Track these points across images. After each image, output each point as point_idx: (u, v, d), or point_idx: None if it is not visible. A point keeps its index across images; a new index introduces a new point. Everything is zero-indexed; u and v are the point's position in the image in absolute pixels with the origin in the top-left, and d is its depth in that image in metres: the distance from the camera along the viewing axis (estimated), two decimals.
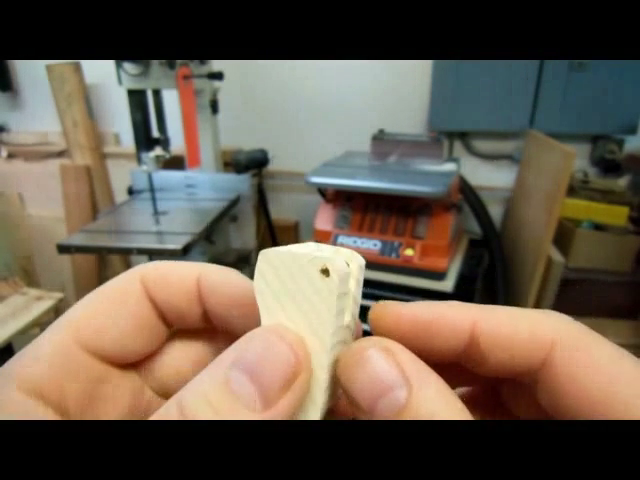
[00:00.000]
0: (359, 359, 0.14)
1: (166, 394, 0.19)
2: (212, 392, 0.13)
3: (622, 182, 1.60)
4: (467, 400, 0.17)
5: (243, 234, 1.61)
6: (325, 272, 0.15)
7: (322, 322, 0.15)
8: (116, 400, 0.17)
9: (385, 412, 0.13)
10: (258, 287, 0.16)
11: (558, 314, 0.15)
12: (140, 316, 0.18)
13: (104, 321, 0.17)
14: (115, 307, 0.17)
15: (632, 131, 1.50)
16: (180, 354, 0.20)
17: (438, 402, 0.13)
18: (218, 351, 0.18)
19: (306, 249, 0.16)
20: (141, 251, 1.19)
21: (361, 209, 1.32)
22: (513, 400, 0.17)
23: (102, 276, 2.01)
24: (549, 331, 0.15)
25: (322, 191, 1.38)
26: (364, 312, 0.16)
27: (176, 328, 0.20)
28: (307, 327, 0.15)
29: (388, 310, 0.16)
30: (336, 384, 0.15)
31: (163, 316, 0.18)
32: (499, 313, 0.15)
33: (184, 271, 0.18)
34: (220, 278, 0.18)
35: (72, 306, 0.18)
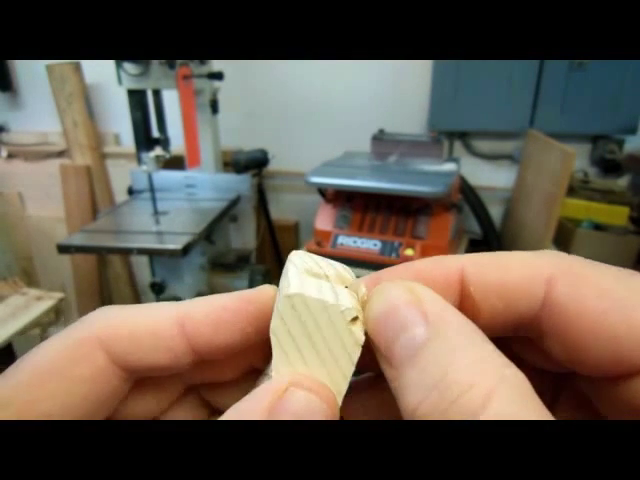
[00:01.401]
0: (381, 299, 0.13)
1: None
2: None
3: (622, 182, 1.60)
4: None
5: (243, 234, 1.61)
6: (354, 321, 0.14)
7: (343, 371, 0.15)
8: None
9: (403, 351, 0.12)
10: (275, 330, 0.15)
11: (551, 251, 0.14)
12: (100, 387, 0.15)
13: (53, 403, 0.14)
14: (67, 383, 0.14)
15: (632, 131, 1.50)
16: (144, 399, 0.17)
17: (463, 345, 0.11)
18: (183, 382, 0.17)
19: (319, 282, 0.15)
20: (141, 251, 1.19)
21: (361, 209, 1.32)
22: (522, 349, 0.16)
23: (102, 276, 2.01)
24: (545, 267, 0.13)
25: (322, 191, 1.38)
26: None
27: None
28: (325, 374, 0.15)
29: (368, 278, 0.15)
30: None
31: (134, 374, 0.16)
32: (487, 258, 0.14)
33: (158, 321, 0.15)
34: (206, 315, 0.15)
35: (8, 372, 0.14)
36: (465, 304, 0.14)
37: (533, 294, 0.13)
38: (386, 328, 0.13)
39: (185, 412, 0.19)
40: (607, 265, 0.13)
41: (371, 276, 0.15)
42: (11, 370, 0.14)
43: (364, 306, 0.15)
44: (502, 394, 0.10)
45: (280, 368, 0.15)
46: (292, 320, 0.14)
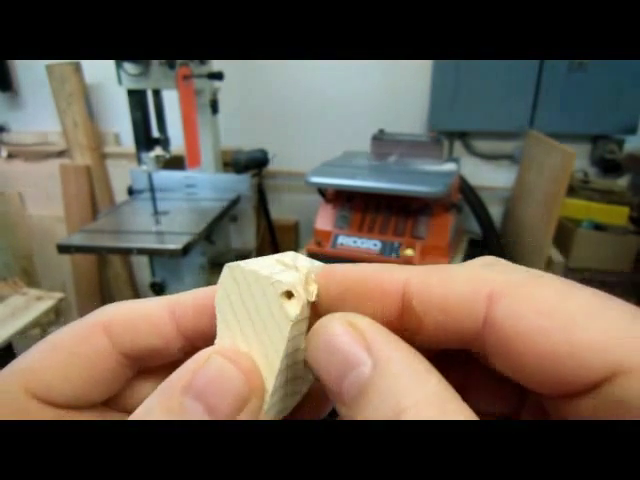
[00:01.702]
0: (323, 337, 0.13)
1: None
2: (162, 416, 0.13)
3: (622, 182, 1.60)
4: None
5: (243, 234, 1.61)
6: (287, 295, 0.15)
7: (275, 346, 0.15)
8: None
9: (351, 392, 0.12)
10: (219, 301, 0.16)
11: (499, 264, 0.14)
12: (100, 367, 0.16)
13: (56, 374, 0.16)
14: (70, 358, 0.16)
15: (632, 131, 1.50)
16: (146, 386, 0.18)
17: (406, 378, 0.12)
18: None
19: (275, 266, 0.16)
20: (141, 251, 1.19)
21: (361, 209, 1.32)
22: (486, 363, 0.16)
23: (102, 276, 2.01)
24: (486, 282, 0.13)
25: (322, 191, 1.38)
26: None
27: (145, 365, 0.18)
28: (260, 348, 0.15)
29: (324, 271, 0.15)
30: (286, 403, 0.16)
31: (133, 360, 0.17)
32: (433, 271, 0.14)
33: (152, 308, 0.17)
34: (194, 301, 0.17)
35: (25, 352, 0.16)
36: (408, 317, 0.14)
37: (474, 311, 0.13)
38: (332, 367, 0.13)
39: None
40: (551, 277, 0.13)
41: (325, 268, 0.16)
42: (33, 346, 0.16)
43: (308, 287, 0.15)
44: None
45: (221, 339, 0.16)
46: (232, 291, 0.15)
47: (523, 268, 0.14)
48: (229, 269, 0.15)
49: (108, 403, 0.18)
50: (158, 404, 0.14)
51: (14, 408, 0.15)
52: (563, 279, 0.13)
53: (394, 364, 0.12)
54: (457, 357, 0.16)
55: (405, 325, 0.14)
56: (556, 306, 0.12)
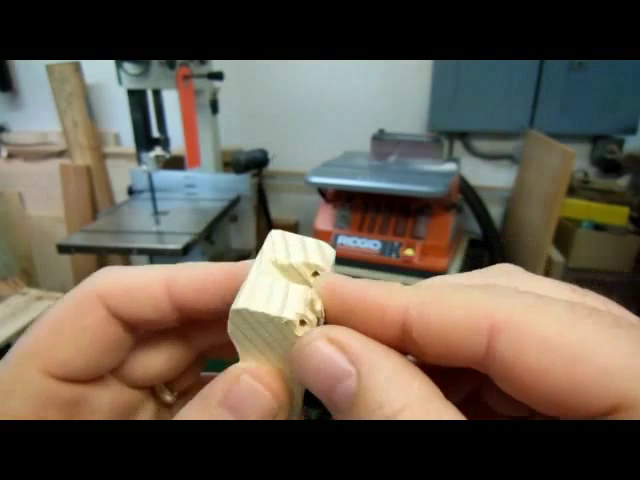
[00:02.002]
0: (306, 354, 0.14)
1: (141, 386, 0.20)
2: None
3: (622, 182, 1.60)
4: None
5: (243, 234, 1.61)
6: (302, 325, 0.15)
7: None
8: (95, 410, 0.18)
9: (343, 404, 0.13)
10: (232, 332, 0.16)
11: (502, 288, 0.14)
12: (105, 336, 0.17)
13: (68, 349, 0.16)
14: (77, 332, 0.17)
15: (632, 131, 1.50)
16: (148, 353, 0.19)
17: (390, 386, 0.12)
18: (187, 341, 0.20)
19: (279, 281, 0.16)
20: (141, 251, 1.19)
21: (361, 209, 1.32)
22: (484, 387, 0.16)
23: None
24: (487, 315, 0.12)
25: (322, 191, 1.38)
26: None
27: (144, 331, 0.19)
28: (282, 367, 0.16)
29: (324, 282, 0.16)
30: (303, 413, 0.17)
31: (131, 327, 0.18)
32: (432, 301, 0.13)
33: (149, 281, 0.17)
34: (191, 282, 0.17)
35: (26, 333, 0.17)
36: (409, 343, 0.14)
37: (475, 345, 0.13)
38: (319, 382, 0.13)
39: (196, 377, 0.21)
40: (556, 303, 0.13)
41: (328, 285, 0.16)
42: (30, 328, 0.17)
43: (316, 306, 0.15)
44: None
45: (245, 360, 0.16)
46: (244, 327, 0.16)
47: (522, 294, 0.13)
48: (236, 313, 0.15)
49: (115, 375, 0.19)
50: (198, 413, 0.15)
51: (36, 392, 0.16)
52: (568, 303, 0.13)
53: (377, 373, 0.12)
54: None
55: (407, 349, 0.14)
56: (558, 339, 0.12)
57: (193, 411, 0.15)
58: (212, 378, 0.20)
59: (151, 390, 0.20)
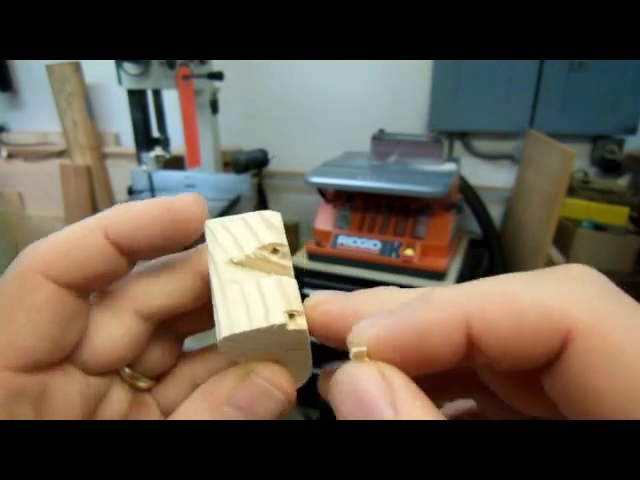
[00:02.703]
0: (350, 382, 0.13)
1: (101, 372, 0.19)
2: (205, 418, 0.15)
3: (622, 182, 1.60)
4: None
5: None
6: (292, 318, 0.15)
7: (302, 362, 0.16)
8: (65, 400, 0.17)
9: None
10: (227, 354, 0.15)
11: (577, 286, 0.12)
12: (59, 310, 0.16)
13: (24, 336, 0.15)
14: (29, 315, 0.15)
15: (632, 131, 1.49)
16: (100, 335, 0.18)
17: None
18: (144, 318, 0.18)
19: (226, 263, 0.16)
20: None
21: (361, 209, 1.32)
22: (519, 397, 0.15)
23: None
24: (563, 319, 0.11)
25: (322, 191, 1.38)
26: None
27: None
28: (290, 366, 0.16)
29: (366, 332, 0.13)
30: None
31: (84, 289, 0.17)
32: (497, 299, 0.12)
33: (86, 234, 0.16)
34: (128, 222, 0.16)
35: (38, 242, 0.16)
36: (477, 359, 0.13)
37: (547, 352, 0.12)
38: (353, 410, 0.13)
39: (173, 359, 0.20)
40: (631, 307, 0.12)
41: (342, 302, 0.16)
42: None
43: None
44: None
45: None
46: (237, 347, 0.15)
47: (601, 292, 0.12)
48: (226, 341, 0.14)
49: (75, 364, 0.18)
50: (205, 410, 0.15)
51: (1, 390, 0.15)
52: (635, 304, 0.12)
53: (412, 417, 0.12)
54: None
55: (471, 362, 0.13)
56: (630, 349, 0.11)
57: (199, 409, 0.15)
58: (195, 357, 0.20)
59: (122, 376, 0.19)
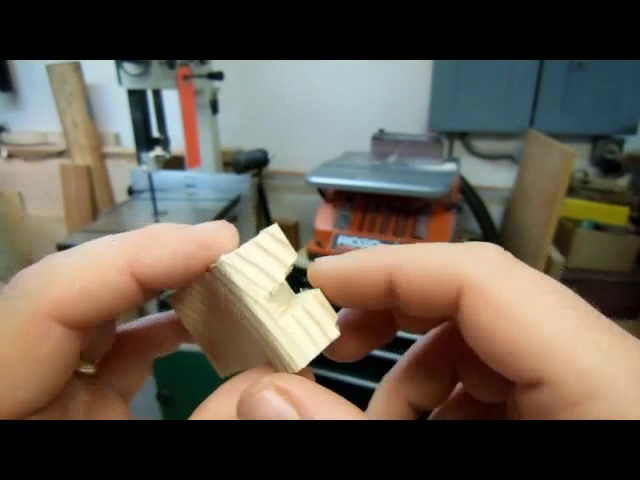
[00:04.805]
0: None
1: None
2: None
3: (622, 182, 1.60)
4: (433, 342, 0.19)
5: (243, 234, 1.60)
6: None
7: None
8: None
9: None
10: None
11: (481, 247, 0.15)
12: (64, 355, 0.14)
13: (26, 389, 0.13)
14: (33, 367, 0.13)
15: (632, 131, 1.49)
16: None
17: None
18: None
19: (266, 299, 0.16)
20: None
21: (361, 209, 1.32)
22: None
23: None
24: (457, 275, 0.14)
25: (322, 191, 1.38)
26: None
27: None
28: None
29: (317, 268, 0.17)
30: None
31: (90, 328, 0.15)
32: (416, 257, 0.15)
33: (106, 272, 0.14)
34: (159, 260, 0.15)
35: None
36: (392, 298, 0.16)
37: (447, 302, 0.14)
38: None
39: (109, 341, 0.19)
40: (522, 274, 0.14)
41: (316, 269, 0.17)
42: None
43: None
44: None
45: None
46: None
47: (493, 257, 0.14)
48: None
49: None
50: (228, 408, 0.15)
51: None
52: (534, 277, 0.14)
53: (319, 416, 0.13)
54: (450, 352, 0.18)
55: (389, 304, 0.16)
56: (513, 306, 0.13)
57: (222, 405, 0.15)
58: (139, 333, 0.19)
59: None
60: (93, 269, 0.14)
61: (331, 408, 0.14)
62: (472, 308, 0.13)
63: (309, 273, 0.17)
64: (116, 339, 0.19)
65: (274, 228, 0.17)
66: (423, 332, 0.19)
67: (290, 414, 0.13)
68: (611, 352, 0.11)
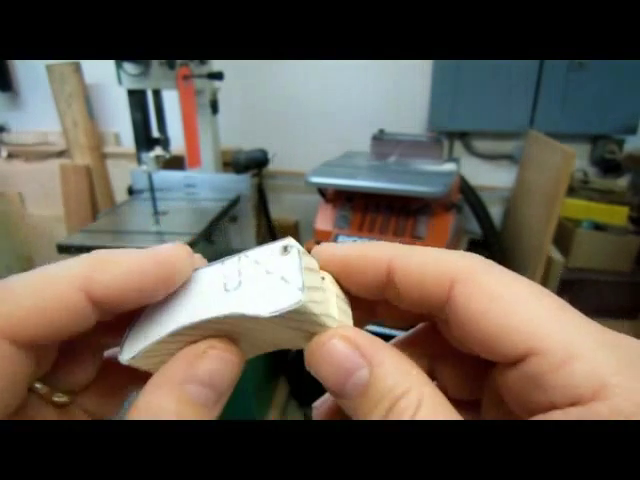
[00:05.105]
0: (322, 350, 0.16)
1: None
2: (171, 404, 0.15)
3: (622, 182, 1.60)
4: (412, 338, 0.20)
5: (243, 234, 1.61)
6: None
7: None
8: None
9: (354, 392, 0.15)
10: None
11: (470, 255, 0.17)
12: (11, 372, 0.14)
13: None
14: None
15: (632, 131, 1.49)
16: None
17: (397, 374, 0.15)
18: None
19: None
20: None
21: (361, 209, 1.32)
22: (446, 331, 0.18)
23: None
24: (450, 269, 0.16)
25: (322, 191, 1.38)
26: None
27: None
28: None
29: (324, 250, 0.18)
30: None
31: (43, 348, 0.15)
32: (416, 253, 0.17)
33: (59, 292, 0.14)
34: (115, 279, 0.15)
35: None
36: (390, 289, 0.17)
37: (440, 290, 0.16)
38: (334, 374, 0.15)
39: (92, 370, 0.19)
40: (507, 271, 0.16)
41: (324, 249, 0.18)
42: None
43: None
44: (426, 404, 0.14)
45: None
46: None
47: (482, 260, 0.16)
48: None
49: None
50: (167, 395, 0.15)
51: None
52: (516, 274, 0.16)
53: (385, 365, 0.15)
54: (429, 349, 0.20)
55: (387, 295, 0.17)
56: (499, 294, 0.15)
57: (159, 396, 0.15)
58: (116, 367, 0.18)
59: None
60: (46, 287, 0.14)
61: (388, 354, 0.15)
62: (465, 296, 0.15)
63: (316, 253, 0.18)
64: (103, 365, 0.19)
65: (294, 242, 0.17)
66: (402, 328, 0.21)
67: (356, 357, 0.15)
68: (581, 326, 0.14)
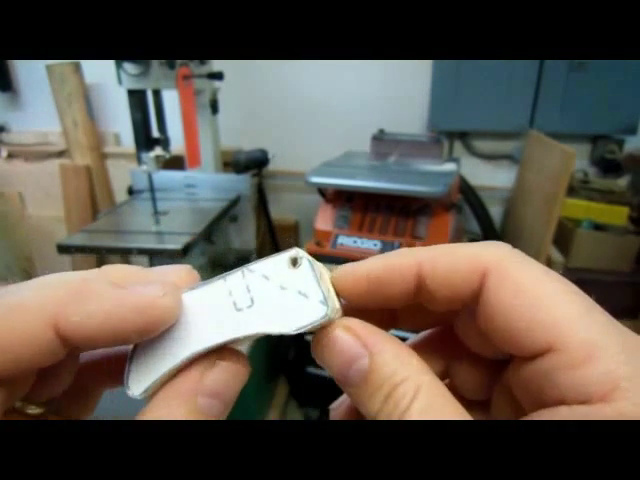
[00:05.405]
0: (327, 340, 0.16)
1: None
2: (181, 417, 0.15)
3: (622, 182, 1.60)
4: (427, 340, 0.21)
5: (243, 234, 1.61)
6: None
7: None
8: None
9: (356, 379, 0.16)
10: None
11: (497, 243, 0.17)
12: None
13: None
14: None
15: (632, 131, 1.49)
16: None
17: (395, 363, 0.15)
18: None
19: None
20: (141, 251, 1.18)
21: (361, 209, 1.32)
22: (465, 331, 0.19)
23: None
24: (482, 262, 0.16)
25: (322, 191, 1.38)
26: None
27: None
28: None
29: (345, 273, 0.18)
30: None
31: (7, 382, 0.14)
32: (442, 252, 0.17)
33: (28, 327, 0.14)
34: (88, 322, 0.14)
35: None
36: (423, 292, 0.17)
37: (473, 287, 0.16)
38: (337, 362, 0.16)
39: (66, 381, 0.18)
40: (537, 264, 0.16)
41: (343, 277, 0.18)
42: None
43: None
44: (424, 392, 0.14)
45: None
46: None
47: (514, 252, 0.16)
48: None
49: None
50: (179, 409, 0.15)
51: None
52: (546, 268, 0.16)
53: (385, 354, 0.16)
54: (444, 349, 0.20)
55: (422, 298, 0.17)
56: (530, 289, 0.15)
57: (169, 408, 0.15)
58: (97, 366, 0.18)
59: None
60: (14, 318, 0.13)
61: (388, 343, 0.16)
62: (496, 288, 0.15)
63: (335, 280, 0.18)
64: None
65: (302, 252, 0.17)
66: (417, 331, 0.21)
67: (357, 347, 0.16)
68: (606, 328, 0.14)
